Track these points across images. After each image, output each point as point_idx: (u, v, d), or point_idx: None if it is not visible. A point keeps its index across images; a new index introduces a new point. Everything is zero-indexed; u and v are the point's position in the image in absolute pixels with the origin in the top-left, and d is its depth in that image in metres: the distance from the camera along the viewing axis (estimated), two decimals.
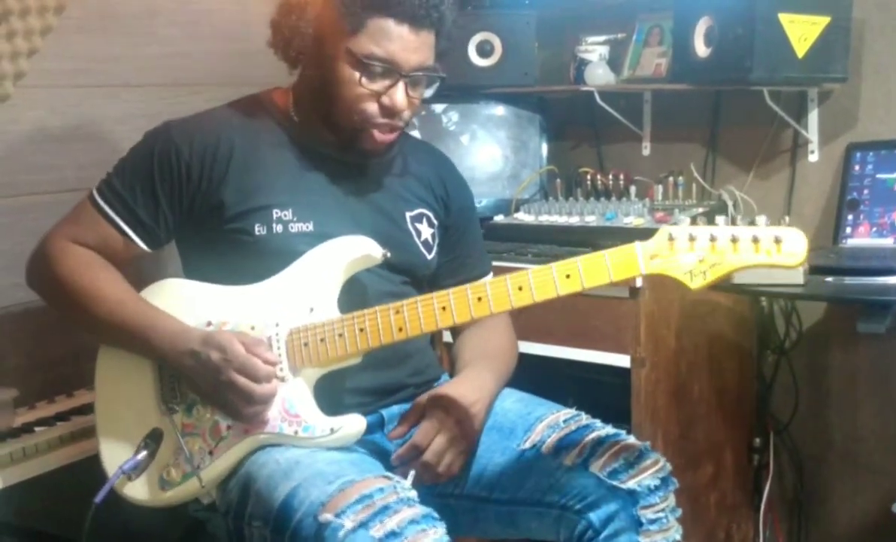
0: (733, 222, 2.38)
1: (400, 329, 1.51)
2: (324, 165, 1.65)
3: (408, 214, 1.71)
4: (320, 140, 1.64)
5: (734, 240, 1.38)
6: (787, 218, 1.47)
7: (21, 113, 2.00)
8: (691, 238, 1.40)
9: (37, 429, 1.74)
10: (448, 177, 1.82)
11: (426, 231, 1.73)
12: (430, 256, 1.73)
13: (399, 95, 1.57)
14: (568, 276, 1.44)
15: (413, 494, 1.39)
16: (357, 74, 1.55)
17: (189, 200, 1.60)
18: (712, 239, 1.39)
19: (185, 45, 1.95)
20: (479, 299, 1.48)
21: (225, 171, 1.59)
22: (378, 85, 1.56)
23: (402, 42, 1.55)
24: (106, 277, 1.60)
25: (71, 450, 1.70)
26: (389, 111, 1.58)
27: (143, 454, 1.54)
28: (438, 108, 2.74)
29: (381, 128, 1.60)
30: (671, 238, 1.41)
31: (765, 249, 1.37)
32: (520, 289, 1.46)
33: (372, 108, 1.58)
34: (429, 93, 1.65)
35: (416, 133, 2.44)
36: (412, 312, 1.50)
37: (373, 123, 1.59)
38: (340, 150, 1.64)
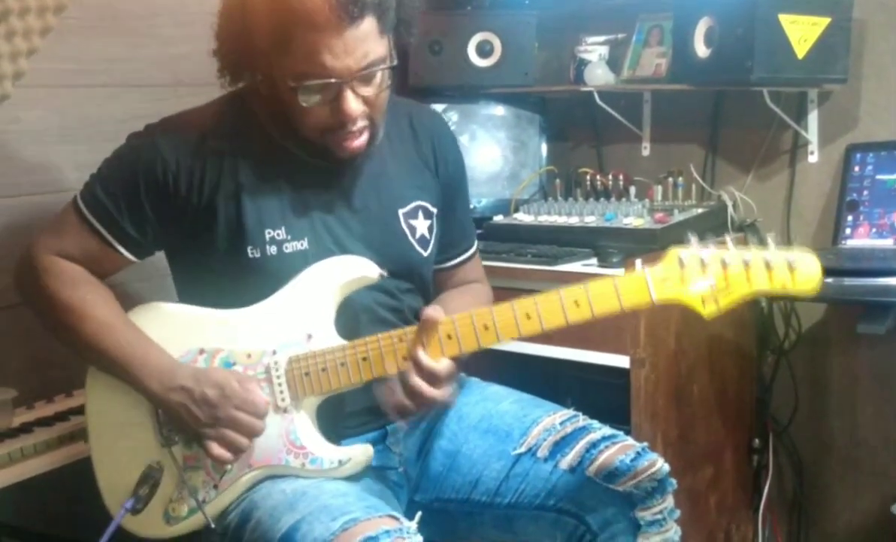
0: (734, 225, 2.42)
1: (405, 358, 1.47)
2: (312, 174, 1.56)
3: (401, 212, 1.62)
4: (301, 145, 1.55)
5: (746, 265, 1.36)
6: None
7: (21, 113, 1.99)
8: (702, 264, 1.38)
9: (35, 429, 1.73)
10: (439, 144, 1.71)
11: (422, 226, 1.65)
12: (426, 253, 1.65)
13: (347, 104, 1.43)
14: (577, 303, 1.43)
15: (419, 539, 1.34)
16: (298, 97, 1.43)
17: (178, 211, 1.53)
18: (724, 265, 1.37)
19: (186, 46, 1.95)
20: (486, 327, 1.45)
21: (215, 191, 1.52)
22: (323, 99, 1.44)
23: (331, 50, 1.38)
24: (94, 298, 1.53)
25: (70, 450, 1.69)
26: (345, 122, 1.46)
27: (145, 489, 1.48)
28: (438, 108, 2.74)
29: (347, 137, 1.48)
30: (681, 263, 1.39)
31: (779, 277, 1.35)
32: (528, 317, 1.44)
33: (327, 122, 1.46)
34: (388, 82, 1.49)
35: None
36: (416, 340, 1.46)
37: (336, 135, 1.48)
38: (323, 157, 1.55)
